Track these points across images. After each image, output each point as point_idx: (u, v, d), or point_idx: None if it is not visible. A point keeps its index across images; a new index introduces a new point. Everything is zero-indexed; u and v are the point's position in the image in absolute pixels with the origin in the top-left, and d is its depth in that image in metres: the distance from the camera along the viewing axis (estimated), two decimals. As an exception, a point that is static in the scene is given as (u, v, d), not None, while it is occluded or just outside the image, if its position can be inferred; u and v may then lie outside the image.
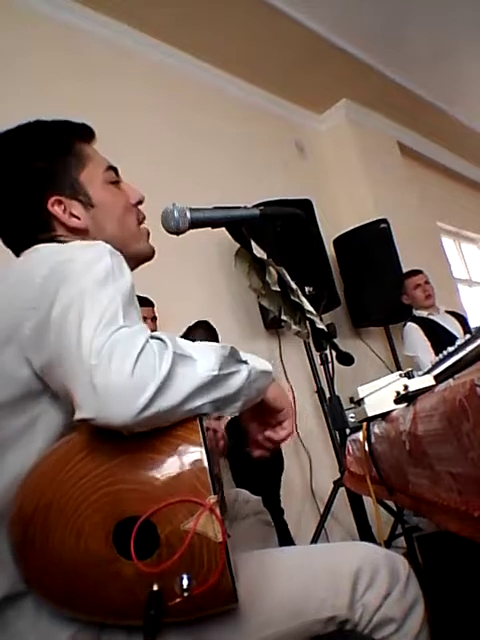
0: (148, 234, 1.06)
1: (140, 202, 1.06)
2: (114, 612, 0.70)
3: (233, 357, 0.81)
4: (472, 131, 5.48)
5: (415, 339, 3.51)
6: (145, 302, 2.61)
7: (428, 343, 3.41)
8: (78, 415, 0.68)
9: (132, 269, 1.04)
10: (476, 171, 6.28)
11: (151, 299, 2.59)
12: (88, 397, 0.67)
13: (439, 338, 3.34)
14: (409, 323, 3.61)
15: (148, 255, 1.06)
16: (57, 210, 0.95)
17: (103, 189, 1.00)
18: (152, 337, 0.72)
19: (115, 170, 1.04)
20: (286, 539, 2.48)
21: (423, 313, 3.64)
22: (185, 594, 0.65)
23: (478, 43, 4.21)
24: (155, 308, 2.63)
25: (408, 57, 4.19)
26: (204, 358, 0.75)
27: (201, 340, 2.81)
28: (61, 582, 0.70)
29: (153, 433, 0.71)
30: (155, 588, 0.66)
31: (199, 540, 0.66)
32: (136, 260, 1.03)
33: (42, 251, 0.85)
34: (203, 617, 0.74)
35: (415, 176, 5.14)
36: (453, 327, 3.55)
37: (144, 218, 1.06)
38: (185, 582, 0.65)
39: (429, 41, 4.05)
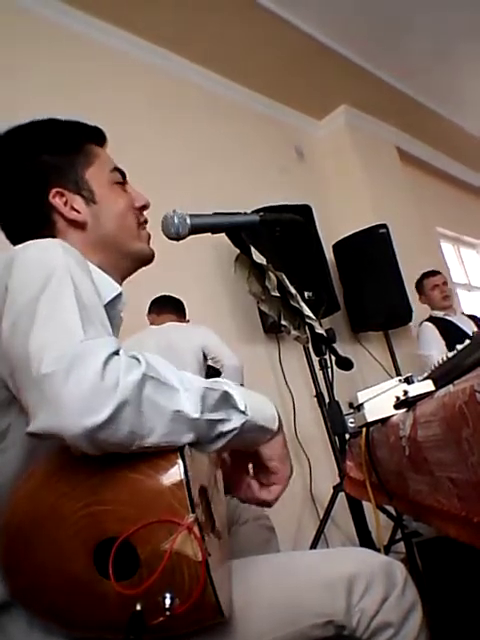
0: (149, 238, 1.06)
1: (145, 207, 1.05)
2: (106, 628, 0.69)
3: (226, 402, 0.74)
4: (471, 136, 5.49)
5: (430, 338, 3.53)
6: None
7: (443, 343, 3.42)
8: (29, 428, 0.64)
9: (130, 271, 1.03)
10: (475, 176, 6.29)
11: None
12: (39, 408, 0.63)
13: (454, 338, 3.34)
14: (425, 322, 3.65)
15: (146, 256, 1.04)
16: (58, 202, 0.95)
17: (107, 188, 1.00)
18: (128, 355, 0.68)
19: (122, 173, 1.05)
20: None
21: (439, 314, 3.66)
22: (167, 613, 0.64)
23: (476, 47, 4.23)
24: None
25: (406, 63, 4.21)
26: (187, 394, 0.69)
27: (168, 314, 2.81)
28: (48, 601, 0.70)
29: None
30: (138, 608, 0.65)
31: (179, 560, 0.65)
32: (133, 260, 1.02)
33: (10, 250, 0.82)
34: (192, 632, 0.73)
35: (414, 181, 5.15)
36: (469, 329, 3.56)
37: (146, 222, 1.06)
38: (168, 601, 0.64)
39: (427, 46, 4.07)
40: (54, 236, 0.93)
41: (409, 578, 0.89)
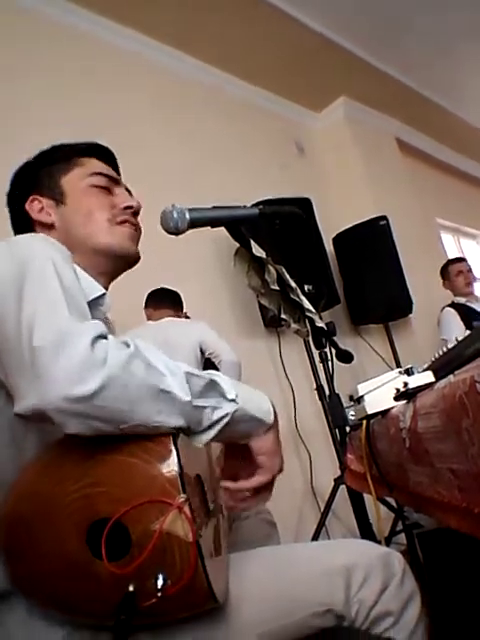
0: (131, 236, 1.03)
1: (131, 208, 1.04)
2: (105, 615, 0.69)
3: (214, 390, 0.76)
4: (471, 126, 5.47)
5: (451, 323, 3.61)
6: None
7: (464, 328, 3.46)
8: (17, 406, 0.66)
9: (112, 270, 1.03)
10: (475, 167, 6.27)
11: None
12: (29, 385, 0.64)
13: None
14: (446, 308, 3.73)
15: (118, 252, 1.01)
16: (30, 207, 1.03)
17: (81, 190, 1.03)
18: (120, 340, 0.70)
19: (111, 177, 1.06)
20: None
21: (461, 300, 3.72)
22: (159, 594, 0.64)
23: (475, 38, 4.20)
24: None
25: (406, 54, 4.18)
26: (173, 378, 0.70)
27: (165, 309, 2.83)
28: (48, 588, 0.70)
29: (125, 436, 0.69)
30: (131, 589, 0.65)
31: (170, 540, 0.66)
32: (107, 257, 1.01)
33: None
34: (190, 617, 0.74)
35: (414, 172, 5.13)
36: None
37: (126, 222, 1.03)
38: (160, 582, 0.65)
39: (427, 37, 4.04)
40: None
41: (408, 568, 0.90)
